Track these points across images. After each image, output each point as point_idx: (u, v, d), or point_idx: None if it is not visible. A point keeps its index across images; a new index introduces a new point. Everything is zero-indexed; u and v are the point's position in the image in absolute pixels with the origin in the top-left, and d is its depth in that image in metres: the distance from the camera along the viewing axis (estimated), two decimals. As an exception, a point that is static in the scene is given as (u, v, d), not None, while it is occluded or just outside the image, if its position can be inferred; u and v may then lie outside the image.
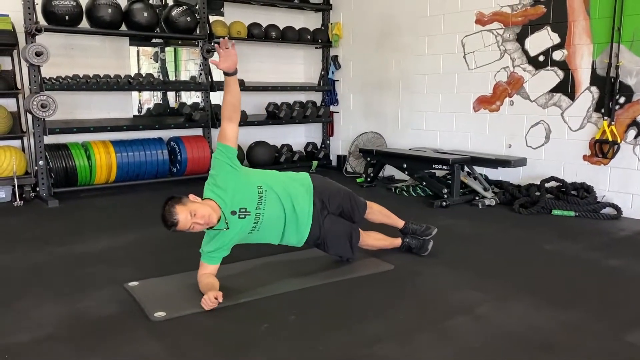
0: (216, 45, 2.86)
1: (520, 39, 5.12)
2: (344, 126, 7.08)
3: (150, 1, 5.95)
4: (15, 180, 5.02)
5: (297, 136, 7.42)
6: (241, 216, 2.82)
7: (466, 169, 5.23)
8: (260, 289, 2.90)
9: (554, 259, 3.46)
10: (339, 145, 7.15)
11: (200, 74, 6.14)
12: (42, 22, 5.07)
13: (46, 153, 5.18)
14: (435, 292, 2.88)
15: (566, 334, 2.38)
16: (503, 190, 5.07)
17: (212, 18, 6.22)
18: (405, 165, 5.42)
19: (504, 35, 5.24)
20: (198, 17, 5.95)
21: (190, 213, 2.62)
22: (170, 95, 6.96)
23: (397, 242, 3.50)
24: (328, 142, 7.28)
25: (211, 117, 6.13)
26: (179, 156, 5.90)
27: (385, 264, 3.29)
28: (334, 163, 7.15)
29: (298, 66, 7.45)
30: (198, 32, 5.97)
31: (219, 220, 2.76)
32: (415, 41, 6.04)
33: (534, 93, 5.07)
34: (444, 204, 4.87)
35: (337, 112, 7.15)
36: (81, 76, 5.35)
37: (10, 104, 5.30)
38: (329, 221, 3.12)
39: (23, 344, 2.28)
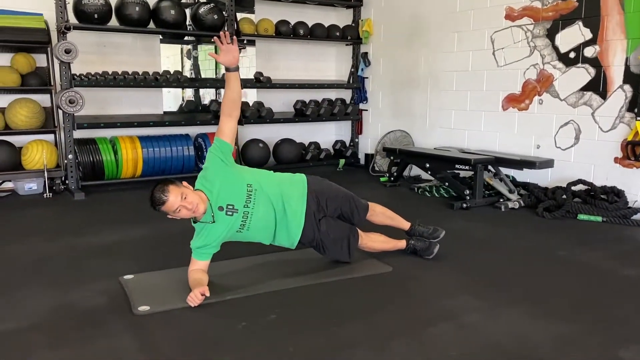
0: (215, 38, 2.85)
1: (551, 34, 4.88)
2: (373, 124, 6.99)
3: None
4: (46, 172, 5.23)
5: (327, 134, 7.38)
6: (228, 213, 2.81)
7: (491, 169, 5.05)
8: (249, 286, 2.88)
9: (565, 266, 3.28)
10: (368, 144, 7.06)
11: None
12: (73, 20, 5.25)
13: (75, 147, 5.36)
14: (427, 297, 2.78)
15: (556, 348, 2.24)
16: (529, 193, 4.85)
17: (240, 15, 6.26)
18: (428, 165, 5.29)
19: (534, 31, 5.01)
20: (226, 15, 6.00)
21: (181, 195, 2.64)
22: (210, 92, 7.02)
23: (402, 244, 3.40)
24: (357, 140, 7.20)
25: (240, 114, 6.16)
26: (205, 152, 5.98)
27: (383, 265, 3.21)
28: (362, 162, 7.07)
29: (329, 63, 7.41)
30: (225, 30, 6.02)
31: (204, 213, 2.76)
32: (444, 38, 5.88)
33: (564, 91, 4.82)
34: (465, 205, 4.71)
35: (366, 110, 7.06)
36: (110, 73, 5.50)
37: (45, 99, 5.52)
38: (325, 224, 3.06)
39: (5, 333, 2.35)
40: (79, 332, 2.36)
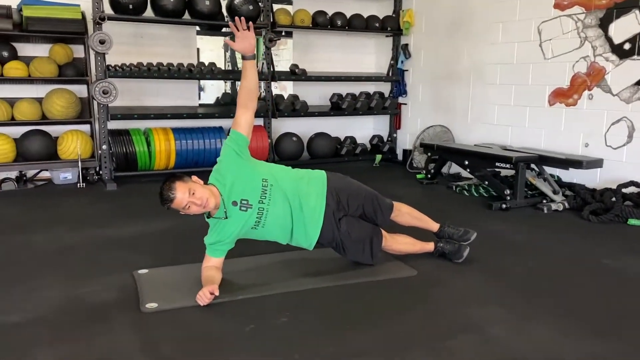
0: (231, 24, 2.72)
1: (604, 24, 4.52)
2: (412, 119, 6.74)
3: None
4: (80, 163, 5.27)
5: (364, 129, 7.18)
6: (242, 208, 2.68)
7: (535, 168, 4.75)
8: (264, 286, 2.76)
9: (609, 276, 3.00)
10: (406, 139, 6.82)
11: (262, 63, 6.09)
12: (109, 11, 5.26)
13: (109, 138, 5.38)
14: (451, 306, 2.58)
15: (590, 369, 2.01)
16: (574, 194, 4.53)
17: (276, 6, 6.14)
18: (466, 163, 5.03)
19: (585, 20, 4.67)
20: (262, 5, 5.90)
21: (189, 191, 2.54)
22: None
23: (429, 246, 3.20)
24: (395, 135, 6.98)
25: (272, 107, 6.06)
26: (238, 145, 5.90)
27: (408, 269, 3.02)
28: (400, 158, 6.84)
29: (369, 56, 7.20)
30: (261, 21, 5.92)
31: (218, 208, 2.65)
32: (488, 28, 5.58)
33: (616, 86, 4.47)
34: (504, 206, 4.44)
35: (406, 104, 6.82)
36: (145, 64, 5.49)
37: (82, 90, 5.57)
38: (345, 223, 2.89)
39: (11, 325, 2.31)
40: (82, 328, 2.29)
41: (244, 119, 2.74)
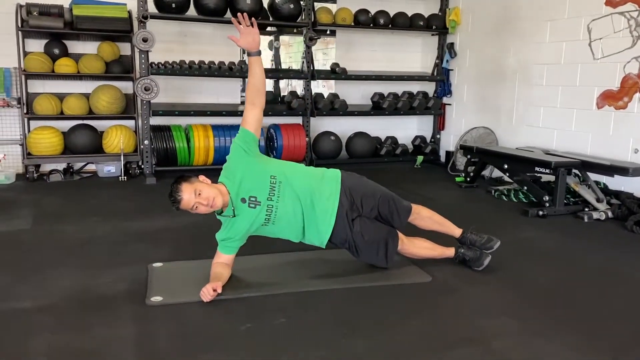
0: (234, 20, 2.72)
1: (658, 22, 4.23)
2: (457, 119, 6.55)
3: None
4: (122, 157, 5.45)
5: (407, 129, 7.05)
6: (251, 205, 2.67)
7: (577, 174, 4.50)
8: (271, 285, 2.75)
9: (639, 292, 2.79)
10: (450, 140, 6.63)
11: (303, 62, 6.09)
12: (154, 10, 5.40)
13: (151, 133, 5.54)
14: (460, 315, 2.47)
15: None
16: (620, 203, 4.25)
17: (317, 5, 6.12)
18: (506, 166, 4.83)
19: (638, 18, 4.37)
20: (303, 4, 5.89)
21: (195, 192, 2.55)
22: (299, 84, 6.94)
23: (450, 252, 3.08)
24: (438, 136, 6.81)
25: (312, 105, 6.05)
26: (276, 143, 5.94)
27: (423, 274, 2.92)
28: (443, 159, 6.66)
29: (415, 55, 7.06)
30: (302, 19, 5.92)
31: (227, 206, 2.66)
32: (535, 27, 5.33)
33: (670, 88, 4.17)
34: (541, 213, 4.23)
35: (450, 105, 6.64)
36: (186, 62, 5.61)
37: (128, 86, 5.76)
38: (359, 224, 2.82)
39: (20, 310, 2.41)
40: (85, 317, 2.35)
41: (251, 116, 2.73)
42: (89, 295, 2.60)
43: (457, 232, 3.16)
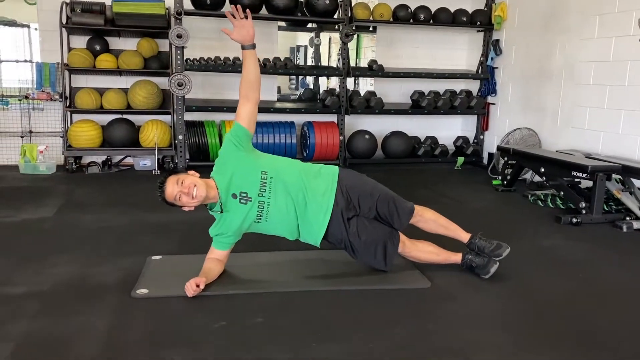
0: (227, 12, 2.68)
1: None
2: (501, 120, 6.26)
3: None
4: (157, 151, 5.57)
5: (450, 129, 6.80)
6: (242, 201, 2.62)
7: (619, 180, 4.16)
8: (259, 283, 2.70)
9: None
10: (493, 142, 6.33)
11: (338, 59, 6.00)
12: (189, 6, 5.48)
13: (185, 129, 5.62)
14: (449, 325, 2.31)
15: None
16: (665, 213, 3.90)
17: (355, 0, 6.01)
18: (542, 170, 4.54)
19: (693, 10, 3.99)
20: (340, 0, 5.81)
21: (177, 181, 2.53)
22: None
23: (456, 257, 2.91)
24: (482, 137, 6.52)
25: (346, 104, 5.95)
26: (308, 141, 5.89)
27: (423, 280, 2.77)
28: (485, 161, 6.37)
29: (460, 52, 6.81)
30: (339, 16, 5.83)
31: (215, 200, 2.62)
32: (583, 21, 4.99)
33: None
34: (574, 220, 3.94)
35: (494, 104, 6.34)
36: (221, 58, 5.66)
37: (165, 82, 5.87)
38: (355, 224, 2.71)
39: (12, 296, 2.48)
40: (69, 306, 2.39)
41: (244, 110, 2.67)
42: (81, 283, 2.64)
43: (464, 236, 2.98)
